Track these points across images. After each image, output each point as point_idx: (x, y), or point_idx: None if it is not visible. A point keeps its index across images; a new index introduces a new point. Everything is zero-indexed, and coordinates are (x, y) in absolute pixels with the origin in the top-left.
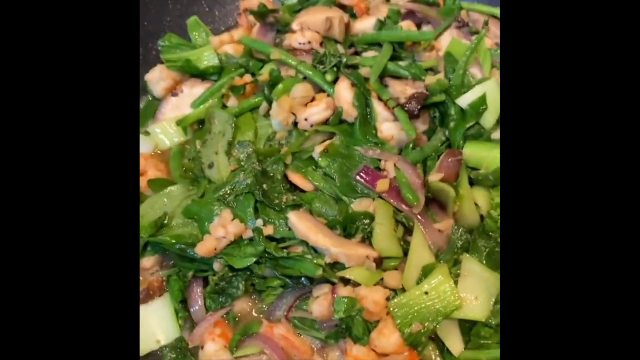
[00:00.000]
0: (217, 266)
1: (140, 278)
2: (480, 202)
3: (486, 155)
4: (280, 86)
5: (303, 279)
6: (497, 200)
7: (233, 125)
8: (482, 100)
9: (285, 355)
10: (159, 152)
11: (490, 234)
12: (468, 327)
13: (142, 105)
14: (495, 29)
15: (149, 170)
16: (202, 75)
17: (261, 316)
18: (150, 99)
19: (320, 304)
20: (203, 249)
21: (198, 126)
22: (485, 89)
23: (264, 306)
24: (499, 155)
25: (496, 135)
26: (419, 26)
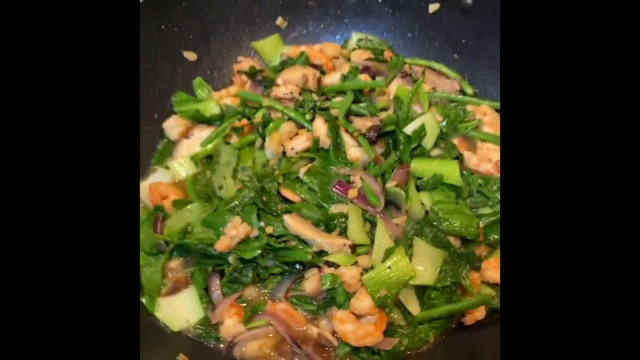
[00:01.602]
0: (231, 259)
1: (169, 275)
2: (425, 201)
3: (427, 168)
4: (271, 125)
5: (297, 264)
6: (437, 198)
7: (236, 155)
8: (422, 128)
9: (286, 324)
10: (177, 181)
11: (433, 222)
12: (421, 292)
13: (160, 147)
14: (431, 76)
15: (170, 194)
16: (207, 121)
17: (266, 298)
18: (167, 141)
19: (311, 282)
20: (221, 245)
21: (206, 160)
22: (424, 120)
23: (267, 291)
24: (436, 167)
25: (433, 153)
26: (373, 77)
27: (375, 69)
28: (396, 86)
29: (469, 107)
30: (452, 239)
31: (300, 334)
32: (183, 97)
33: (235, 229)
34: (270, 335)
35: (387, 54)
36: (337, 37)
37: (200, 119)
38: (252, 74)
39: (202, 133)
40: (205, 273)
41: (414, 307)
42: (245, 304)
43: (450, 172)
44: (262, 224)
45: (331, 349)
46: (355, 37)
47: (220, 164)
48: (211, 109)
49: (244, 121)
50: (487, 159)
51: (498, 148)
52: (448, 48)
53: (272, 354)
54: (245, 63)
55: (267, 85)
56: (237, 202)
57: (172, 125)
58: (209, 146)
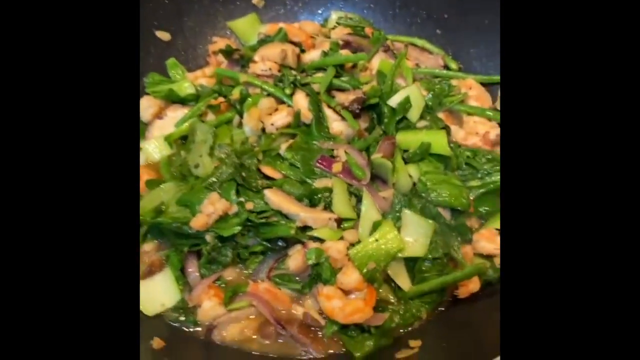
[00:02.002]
0: (208, 237)
1: (143, 259)
2: (412, 173)
3: (413, 139)
4: (249, 100)
5: (279, 241)
6: (424, 169)
7: (213, 133)
8: (407, 100)
9: (269, 305)
10: (150, 163)
11: (422, 194)
12: (412, 266)
13: None
14: (414, 53)
15: (144, 175)
16: (182, 101)
17: (247, 278)
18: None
19: (295, 259)
20: (197, 223)
21: (181, 141)
22: (409, 92)
23: (249, 271)
24: (422, 137)
25: (419, 124)
26: (354, 53)
27: (357, 44)
28: (379, 61)
29: (454, 82)
30: (441, 211)
31: (285, 315)
32: (156, 78)
33: (212, 206)
34: (252, 317)
35: (369, 30)
36: (317, 16)
37: (174, 99)
38: (228, 52)
39: (177, 113)
40: (181, 254)
41: (404, 282)
42: (225, 286)
43: (438, 141)
44: (241, 199)
45: (318, 329)
46: (334, 15)
47: (196, 142)
48: (186, 88)
49: (221, 99)
50: (474, 132)
51: (485, 121)
52: (430, 24)
53: (254, 337)
54: (220, 43)
55: (245, 65)
56: (214, 179)
57: (145, 106)
58: (184, 126)
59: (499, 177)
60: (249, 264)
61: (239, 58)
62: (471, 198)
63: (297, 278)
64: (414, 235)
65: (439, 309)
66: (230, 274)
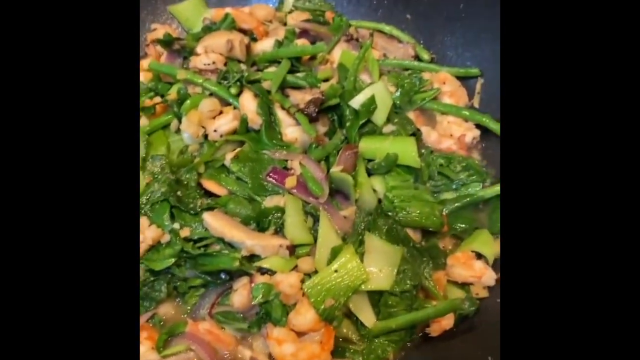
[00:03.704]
0: None
1: None
2: (377, 187)
3: (378, 147)
4: (188, 101)
5: (222, 274)
6: (391, 183)
7: (145, 142)
8: (372, 101)
9: (211, 349)
10: None
11: (388, 213)
12: (377, 299)
13: None
14: (381, 41)
15: None
16: None
17: (185, 316)
18: None
19: (240, 294)
20: None
21: None
22: (374, 90)
23: (188, 307)
24: (389, 146)
25: (386, 129)
26: (313, 43)
27: (316, 33)
28: (340, 52)
29: (426, 75)
30: (410, 232)
31: None
32: None
33: (141, 234)
34: None
35: (329, 15)
36: None
37: None
38: (167, 42)
39: None
40: None
41: (367, 318)
42: (161, 324)
43: (407, 151)
44: (175, 225)
45: None
46: None
47: None
48: None
49: (157, 99)
50: (448, 134)
51: (460, 122)
52: (399, 7)
53: None
54: (160, 31)
55: (187, 56)
56: (144, 200)
57: None
58: None
59: (476, 188)
60: (188, 298)
61: (180, 49)
62: (444, 213)
63: (243, 316)
64: (379, 264)
65: (408, 348)
66: (166, 311)
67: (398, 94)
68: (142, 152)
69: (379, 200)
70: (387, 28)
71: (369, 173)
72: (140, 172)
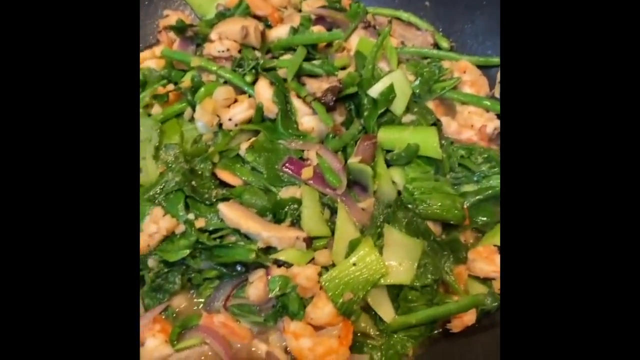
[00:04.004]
0: (151, 262)
1: None
2: (397, 179)
3: (398, 137)
4: (202, 90)
5: (238, 266)
6: (411, 175)
7: (158, 130)
8: (391, 89)
9: (226, 342)
10: None
11: (408, 205)
12: (396, 293)
13: None
14: (399, 28)
15: None
16: None
17: (200, 308)
18: None
19: (255, 287)
20: None
21: None
22: (393, 79)
23: (202, 300)
24: (409, 136)
25: (405, 119)
26: (329, 30)
27: (332, 19)
28: (358, 39)
29: (445, 64)
30: (431, 225)
31: (244, 354)
32: None
33: (155, 224)
34: (205, 357)
35: (346, 2)
36: None
37: None
38: (180, 29)
39: None
40: None
41: (387, 312)
42: (173, 318)
43: (428, 141)
44: (190, 216)
45: None
46: None
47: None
48: None
49: (170, 87)
50: (469, 125)
51: (482, 112)
52: None
53: None
54: (173, 17)
55: (200, 43)
56: (158, 189)
57: None
58: None
59: (498, 180)
60: (202, 290)
61: (194, 35)
62: (466, 206)
63: (259, 309)
64: (399, 258)
65: (428, 344)
66: (179, 303)
67: (417, 82)
68: (155, 141)
69: (399, 192)
70: (405, 15)
71: (388, 164)
72: (154, 161)
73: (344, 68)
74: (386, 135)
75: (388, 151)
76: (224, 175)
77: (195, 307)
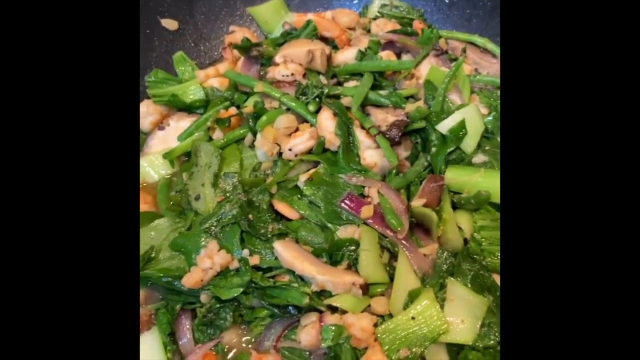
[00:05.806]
0: (204, 298)
1: None
2: (463, 225)
3: (467, 180)
4: (264, 117)
5: (290, 307)
6: (480, 223)
7: (218, 157)
8: (461, 126)
9: None
10: (146, 184)
11: (475, 256)
12: (455, 351)
13: None
14: (473, 55)
15: None
16: (188, 108)
17: (250, 347)
18: None
19: (308, 333)
20: (189, 281)
21: (184, 158)
22: (464, 115)
23: (252, 337)
24: (479, 179)
25: (477, 159)
26: (398, 55)
27: (402, 45)
28: (428, 67)
29: None
30: (497, 279)
31: None
32: (160, 75)
33: (209, 259)
34: None
35: (418, 25)
36: (355, 1)
37: (178, 106)
38: (245, 48)
39: (181, 123)
40: (172, 312)
41: None
42: (222, 354)
43: (499, 187)
44: (245, 252)
45: None
46: (377, 1)
47: (198, 165)
48: (193, 92)
49: (232, 110)
50: None
51: None
52: (495, 17)
53: None
54: (238, 34)
55: (265, 63)
56: (215, 221)
57: (144, 113)
58: (187, 141)
59: None
60: (253, 327)
61: (259, 55)
62: None
63: (310, 354)
64: (461, 314)
65: None
66: (230, 338)
67: (491, 117)
68: (215, 168)
69: (465, 241)
70: (480, 41)
71: (454, 207)
72: (212, 189)
73: (411, 98)
74: (454, 177)
75: (455, 193)
76: (281, 207)
77: (245, 344)
